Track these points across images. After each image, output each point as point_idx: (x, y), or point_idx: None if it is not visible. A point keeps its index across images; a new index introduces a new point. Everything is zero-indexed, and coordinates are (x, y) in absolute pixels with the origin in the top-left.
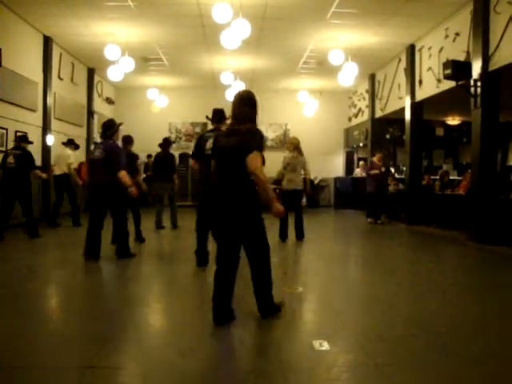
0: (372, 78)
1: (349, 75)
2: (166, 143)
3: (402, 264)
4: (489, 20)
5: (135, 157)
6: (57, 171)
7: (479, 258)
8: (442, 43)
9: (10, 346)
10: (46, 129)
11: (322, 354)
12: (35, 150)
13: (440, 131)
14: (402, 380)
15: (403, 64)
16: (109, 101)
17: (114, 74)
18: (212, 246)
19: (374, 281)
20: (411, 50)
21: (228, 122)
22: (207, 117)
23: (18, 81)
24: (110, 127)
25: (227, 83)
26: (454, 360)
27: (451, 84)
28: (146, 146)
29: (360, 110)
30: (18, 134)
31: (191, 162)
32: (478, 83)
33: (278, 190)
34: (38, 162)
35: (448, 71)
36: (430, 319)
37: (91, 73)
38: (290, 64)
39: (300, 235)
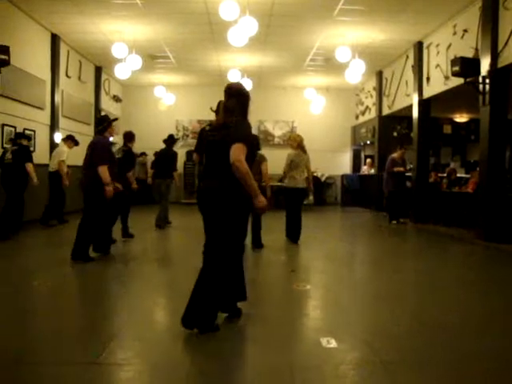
0: (379, 75)
1: (356, 72)
2: (171, 139)
3: (409, 262)
4: (498, 16)
5: (132, 154)
6: (51, 168)
7: (486, 255)
8: (450, 40)
9: (15, 343)
10: (53, 127)
11: (329, 352)
12: (43, 147)
13: (448, 129)
14: (408, 377)
15: (411, 61)
16: (116, 99)
17: (122, 71)
18: None
19: (380, 278)
20: (419, 47)
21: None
22: (211, 108)
23: (26, 79)
24: (100, 122)
25: (234, 81)
26: (460, 357)
27: (459, 81)
28: (153, 144)
29: (367, 107)
30: (19, 131)
31: (194, 155)
32: (487, 80)
33: (264, 184)
34: (46, 159)
35: (456, 68)
36: (435, 316)
37: (99, 71)
38: (296, 61)
39: (295, 237)
